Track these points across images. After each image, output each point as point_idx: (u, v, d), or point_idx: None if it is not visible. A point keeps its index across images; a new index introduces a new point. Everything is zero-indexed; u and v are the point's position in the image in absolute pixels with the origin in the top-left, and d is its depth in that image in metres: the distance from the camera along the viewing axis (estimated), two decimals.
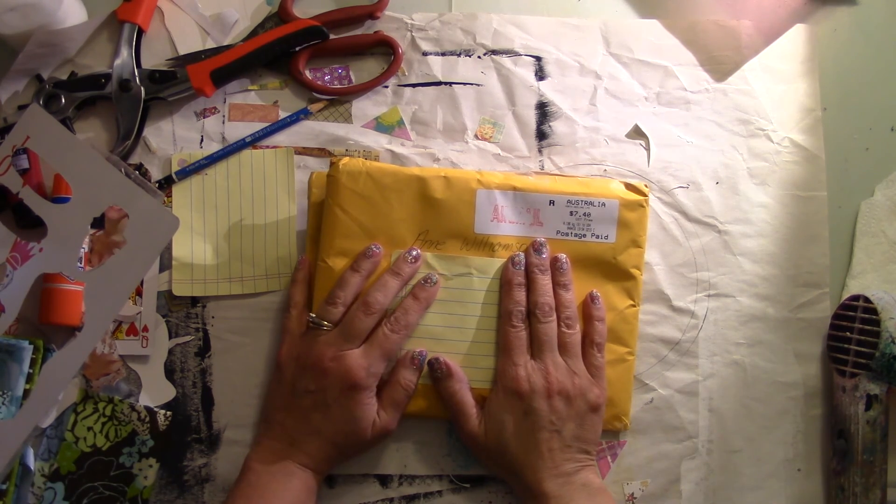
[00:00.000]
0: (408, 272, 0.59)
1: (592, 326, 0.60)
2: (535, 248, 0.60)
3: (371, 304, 0.57)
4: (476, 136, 0.65)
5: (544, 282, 0.59)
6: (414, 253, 0.59)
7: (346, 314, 0.58)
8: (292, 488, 0.56)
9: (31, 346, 0.58)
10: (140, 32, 0.64)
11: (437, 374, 0.59)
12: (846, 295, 0.65)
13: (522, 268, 0.60)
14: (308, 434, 0.57)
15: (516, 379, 0.57)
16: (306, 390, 0.57)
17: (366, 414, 0.57)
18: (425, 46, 0.66)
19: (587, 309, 0.60)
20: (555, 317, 0.59)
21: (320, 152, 0.65)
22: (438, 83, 0.66)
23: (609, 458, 0.62)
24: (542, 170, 0.65)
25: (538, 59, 0.67)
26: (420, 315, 0.59)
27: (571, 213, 0.61)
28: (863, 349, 0.60)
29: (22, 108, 0.62)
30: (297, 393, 0.57)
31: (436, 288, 0.59)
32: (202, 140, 0.64)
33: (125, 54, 0.63)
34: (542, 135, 0.66)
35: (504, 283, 0.60)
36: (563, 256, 0.60)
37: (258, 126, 0.64)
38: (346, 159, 0.60)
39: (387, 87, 0.66)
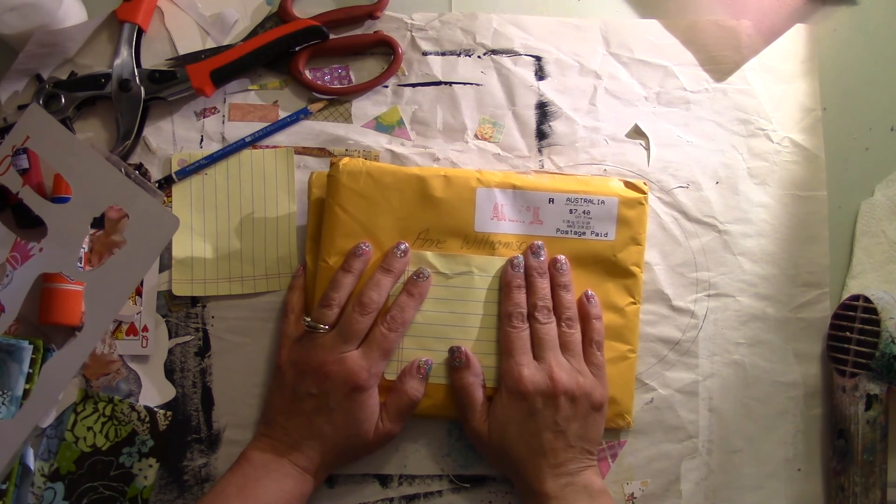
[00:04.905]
0: (398, 267, 0.59)
1: (590, 325, 0.60)
2: (533, 250, 0.60)
3: (366, 303, 0.57)
4: (476, 136, 0.65)
5: (542, 284, 0.59)
6: (402, 247, 0.59)
7: (341, 315, 0.58)
8: (286, 489, 0.55)
9: (31, 346, 0.58)
10: (140, 32, 0.64)
11: (455, 362, 0.59)
12: (846, 295, 0.65)
13: (521, 270, 0.59)
14: (310, 437, 0.57)
15: (520, 379, 0.57)
16: (308, 394, 0.57)
17: (368, 415, 0.57)
18: (425, 46, 0.66)
19: (583, 308, 0.60)
20: (554, 318, 0.59)
21: (320, 152, 0.65)
22: (438, 83, 0.66)
23: (609, 457, 0.62)
24: (542, 169, 0.65)
25: (538, 58, 0.67)
26: (415, 310, 0.59)
27: (571, 211, 0.61)
28: (863, 349, 0.60)
29: (22, 108, 0.62)
30: (298, 397, 0.57)
31: (428, 282, 0.59)
32: (202, 140, 0.64)
33: (125, 54, 0.63)
34: (541, 134, 0.66)
35: (503, 286, 0.59)
36: (561, 258, 0.60)
37: (258, 126, 0.64)
38: (346, 159, 0.60)
39: (387, 86, 0.66)
